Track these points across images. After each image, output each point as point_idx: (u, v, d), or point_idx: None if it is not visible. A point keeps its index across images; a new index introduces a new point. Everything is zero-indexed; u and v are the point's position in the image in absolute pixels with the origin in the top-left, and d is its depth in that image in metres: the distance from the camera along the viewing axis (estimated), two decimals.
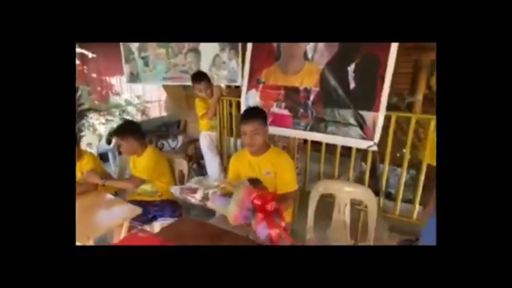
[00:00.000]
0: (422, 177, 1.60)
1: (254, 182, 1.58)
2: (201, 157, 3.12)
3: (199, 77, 2.22)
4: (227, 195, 1.19)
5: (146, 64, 2.95)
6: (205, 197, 1.22)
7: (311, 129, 1.73)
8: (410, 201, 1.77)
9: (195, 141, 3.00)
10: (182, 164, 1.98)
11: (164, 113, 5.34)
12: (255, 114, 1.46)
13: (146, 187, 1.87)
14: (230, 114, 2.26)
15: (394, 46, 1.44)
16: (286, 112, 1.78)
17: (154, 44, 2.81)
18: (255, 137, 1.44)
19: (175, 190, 1.37)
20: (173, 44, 2.73)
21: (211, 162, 2.44)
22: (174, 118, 4.24)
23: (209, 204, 1.22)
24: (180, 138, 3.55)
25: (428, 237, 1.21)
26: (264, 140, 1.48)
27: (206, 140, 2.41)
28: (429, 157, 1.62)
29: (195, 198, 1.29)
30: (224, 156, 2.41)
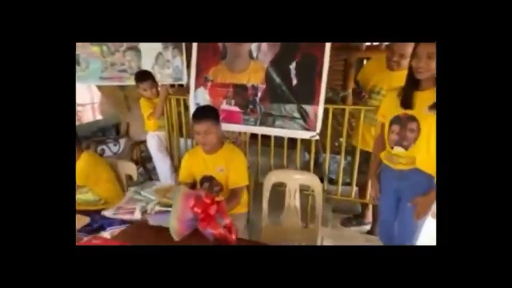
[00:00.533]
0: (357, 162, 1.85)
1: (209, 180, 1.61)
2: (148, 160, 2.99)
3: (143, 76, 2.14)
4: (167, 206, 1.18)
5: (77, 63, 2.68)
6: (144, 215, 1.21)
7: (261, 124, 1.83)
8: (348, 184, 2.02)
9: (140, 143, 2.86)
10: (128, 168, 1.89)
11: (99, 117, 4.87)
12: (207, 113, 1.48)
13: (86, 196, 1.74)
14: (179, 113, 2.23)
15: (328, 46, 1.62)
16: (236, 108, 1.85)
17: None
18: (208, 137, 1.47)
19: (109, 214, 1.31)
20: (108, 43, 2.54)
21: (162, 164, 2.37)
22: (112, 122, 3.90)
23: (150, 222, 1.21)
24: (123, 142, 3.32)
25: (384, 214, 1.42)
26: (218, 138, 1.52)
27: (154, 141, 2.32)
28: (360, 143, 1.88)
29: (135, 216, 1.26)
30: (174, 157, 2.37)
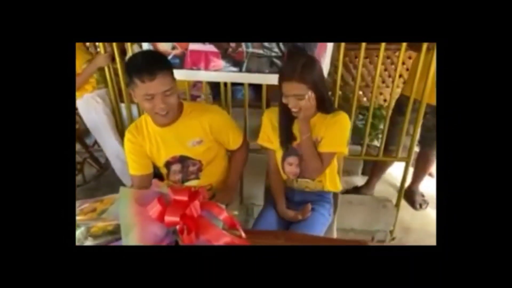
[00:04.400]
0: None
1: (179, 161, 1.11)
2: (86, 133, 2.27)
3: None
4: (110, 236, 0.69)
5: None
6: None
7: (248, 70, 1.32)
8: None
9: None
10: None
11: None
12: (161, 63, 0.92)
13: None
14: (115, 71, 1.55)
15: None
16: (212, 48, 1.29)
17: None
18: (169, 99, 0.94)
19: None
20: None
21: (111, 138, 1.69)
22: None
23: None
24: None
25: None
26: (178, 99, 1.00)
27: (93, 108, 1.62)
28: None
29: None
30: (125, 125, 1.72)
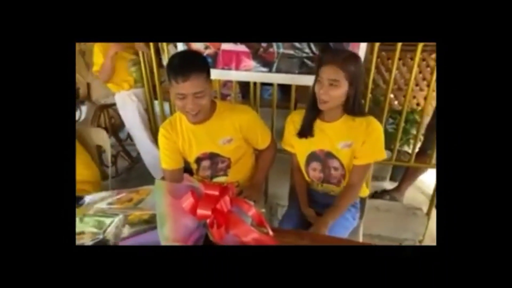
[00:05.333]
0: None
1: (209, 157, 1.15)
2: (120, 127, 2.41)
3: None
4: (145, 225, 0.72)
5: None
6: (105, 240, 0.70)
7: (278, 70, 1.33)
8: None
9: (107, 107, 2.25)
10: (98, 136, 1.35)
11: None
12: (196, 63, 0.95)
13: None
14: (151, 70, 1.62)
15: None
16: (243, 48, 1.32)
17: None
18: (200, 101, 0.96)
19: None
20: None
21: (144, 134, 1.77)
22: None
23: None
24: (84, 108, 2.67)
25: None
26: (210, 99, 1.03)
27: (129, 105, 1.73)
28: None
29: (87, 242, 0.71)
30: (158, 121, 1.80)
